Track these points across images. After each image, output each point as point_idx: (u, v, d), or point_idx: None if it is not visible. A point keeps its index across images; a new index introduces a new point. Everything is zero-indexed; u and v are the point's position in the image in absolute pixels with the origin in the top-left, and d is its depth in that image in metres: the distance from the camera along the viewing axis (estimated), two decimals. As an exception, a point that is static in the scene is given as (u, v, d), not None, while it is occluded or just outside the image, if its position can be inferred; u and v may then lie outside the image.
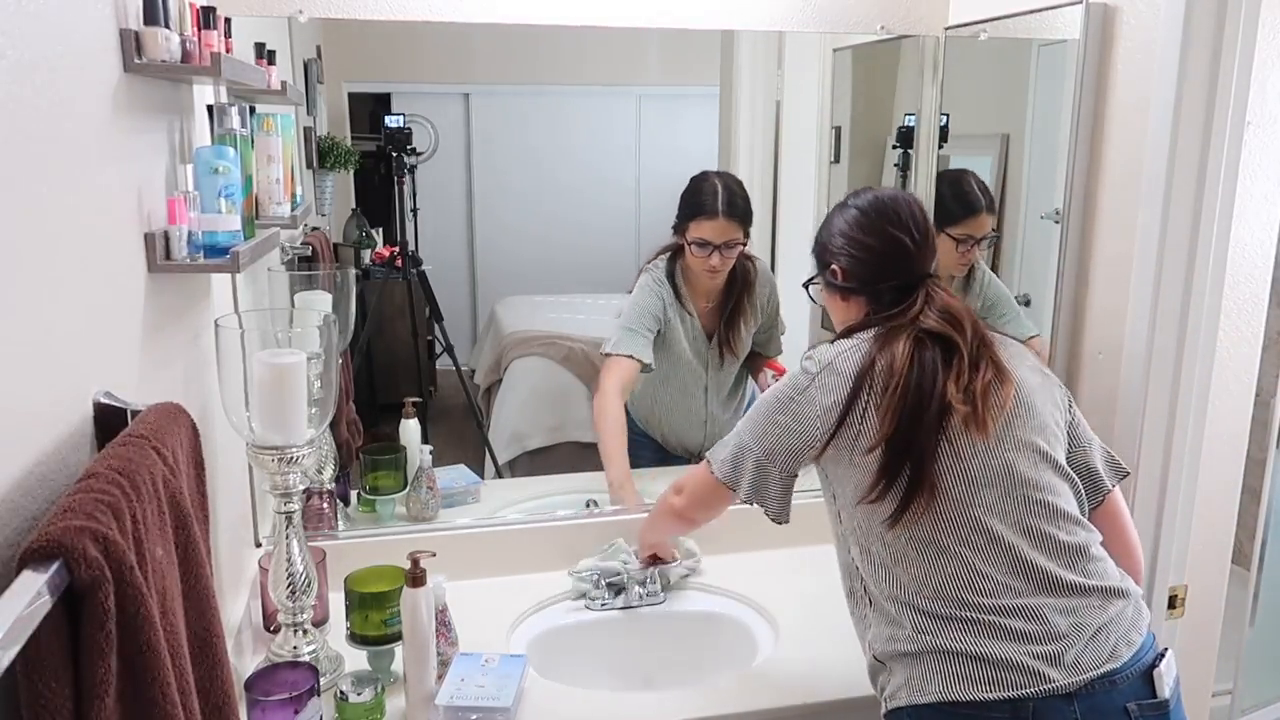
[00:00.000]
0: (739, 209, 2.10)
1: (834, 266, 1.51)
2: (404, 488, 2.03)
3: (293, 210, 1.57)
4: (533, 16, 1.84)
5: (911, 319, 1.41)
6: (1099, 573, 1.36)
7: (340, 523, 1.99)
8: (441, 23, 1.82)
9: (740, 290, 2.19)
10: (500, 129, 2.55)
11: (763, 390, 2.22)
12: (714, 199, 2.08)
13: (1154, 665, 1.33)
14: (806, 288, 1.61)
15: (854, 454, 1.38)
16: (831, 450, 1.40)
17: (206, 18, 1.28)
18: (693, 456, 2.31)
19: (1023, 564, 1.33)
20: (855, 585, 1.46)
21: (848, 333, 1.47)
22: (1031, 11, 1.76)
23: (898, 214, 1.48)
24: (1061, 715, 1.25)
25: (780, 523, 1.49)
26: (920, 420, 1.34)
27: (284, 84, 1.68)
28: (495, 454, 2.38)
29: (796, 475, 1.47)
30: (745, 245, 2.12)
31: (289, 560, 1.50)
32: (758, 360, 2.31)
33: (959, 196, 2.05)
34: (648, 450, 2.32)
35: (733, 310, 2.20)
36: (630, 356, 2.11)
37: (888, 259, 1.47)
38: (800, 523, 1.94)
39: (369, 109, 2.32)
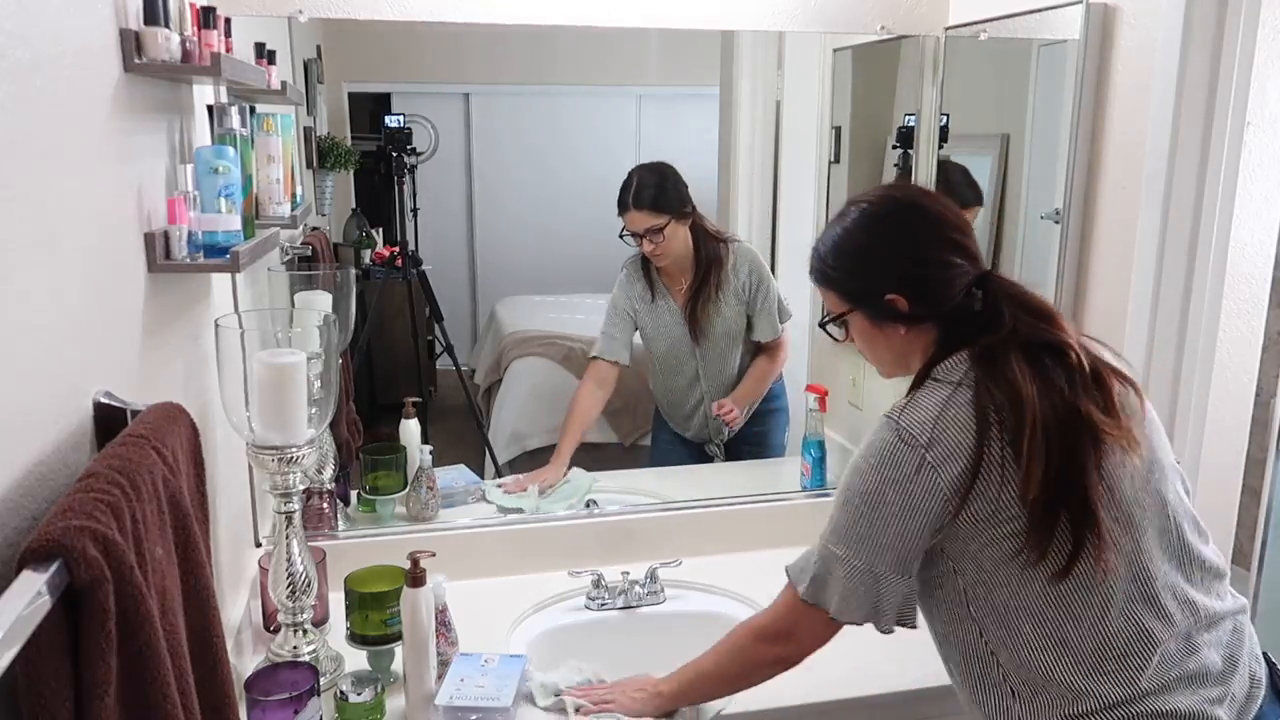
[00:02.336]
0: (648, 198, 2.18)
1: (889, 296, 1.24)
2: (404, 488, 2.03)
3: (293, 210, 1.57)
4: (533, 16, 1.84)
5: (1008, 331, 1.20)
6: (1228, 591, 1.28)
7: (340, 523, 1.99)
8: (441, 23, 1.82)
9: (707, 270, 2.25)
10: (500, 129, 2.55)
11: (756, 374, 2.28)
12: (628, 192, 2.19)
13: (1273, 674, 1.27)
14: (824, 328, 1.35)
15: (996, 520, 1.16)
16: (962, 526, 1.17)
17: (206, 18, 1.28)
18: (707, 444, 2.34)
19: (1182, 601, 1.21)
20: (989, 672, 1.23)
21: (925, 373, 1.23)
22: (1031, 11, 1.76)
23: (942, 214, 1.26)
24: None
25: (911, 628, 1.24)
26: (1075, 455, 1.14)
27: (284, 84, 1.68)
28: (495, 454, 2.38)
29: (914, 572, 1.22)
30: (667, 228, 2.18)
31: (289, 560, 1.50)
32: (753, 347, 2.32)
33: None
34: (676, 449, 2.36)
35: (699, 288, 2.26)
36: (599, 358, 2.27)
37: (957, 269, 1.23)
38: (801, 522, 1.94)
39: (369, 109, 2.33)
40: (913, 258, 1.25)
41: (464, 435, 2.41)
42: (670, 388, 2.34)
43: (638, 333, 2.30)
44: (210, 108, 1.44)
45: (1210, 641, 1.22)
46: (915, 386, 1.25)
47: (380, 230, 2.38)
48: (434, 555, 1.54)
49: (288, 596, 1.51)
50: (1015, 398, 1.16)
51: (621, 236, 2.21)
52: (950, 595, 1.24)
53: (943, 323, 1.25)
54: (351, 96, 2.27)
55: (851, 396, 2.35)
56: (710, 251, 2.25)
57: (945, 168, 2.04)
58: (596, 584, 1.89)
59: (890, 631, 1.25)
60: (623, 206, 2.20)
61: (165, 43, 1.18)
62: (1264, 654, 1.30)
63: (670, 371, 2.33)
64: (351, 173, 2.25)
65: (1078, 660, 1.18)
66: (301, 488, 1.51)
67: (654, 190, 2.19)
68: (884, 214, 1.29)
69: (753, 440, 2.33)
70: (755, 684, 1.42)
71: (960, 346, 1.23)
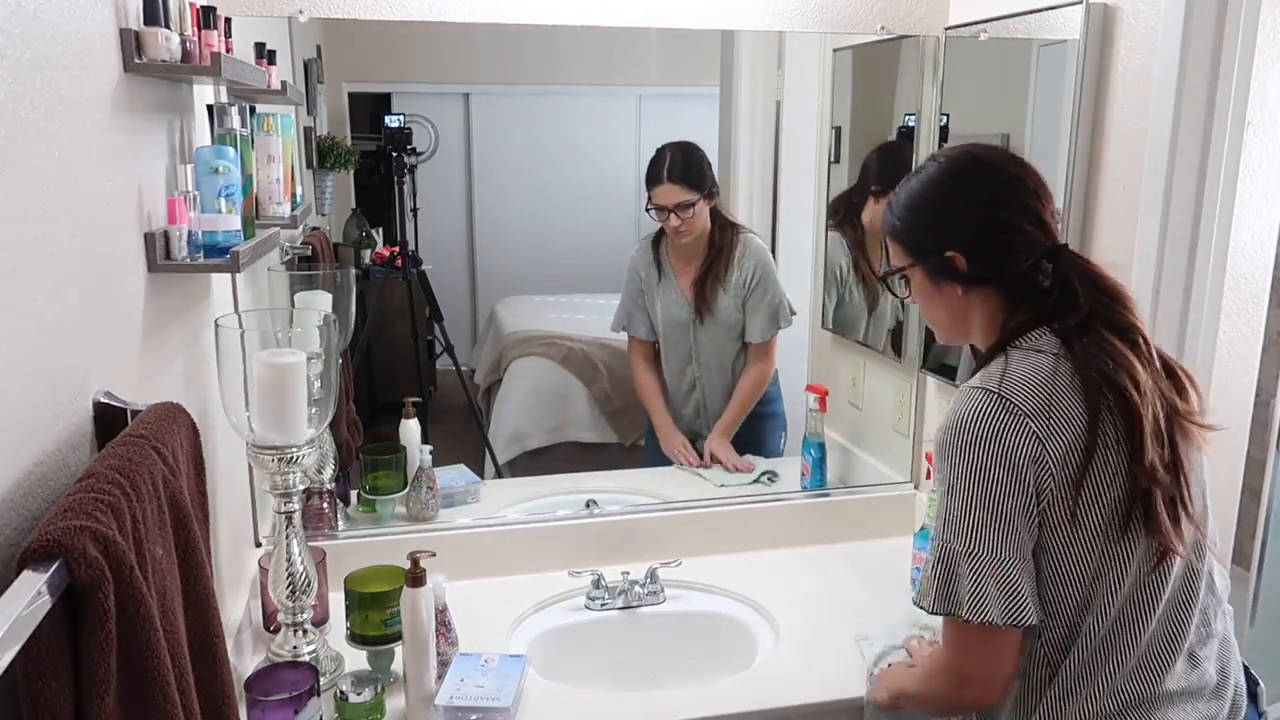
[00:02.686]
0: (680, 172, 2.19)
1: (950, 253, 1.20)
2: (404, 488, 2.03)
3: (293, 210, 1.57)
4: (533, 16, 1.84)
5: (1086, 311, 1.15)
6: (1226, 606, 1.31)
7: (340, 523, 1.99)
8: (441, 23, 1.82)
9: (717, 255, 2.26)
10: (500, 129, 2.55)
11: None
12: (661, 166, 2.20)
13: None
14: (885, 281, 1.30)
15: (1098, 501, 1.13)
16: (1062, 504, 1.12)
17: (206, 18, 1.28)
18: (697, 439, 2.32)
19: (1200, 612, 1.22)
20: (1030, 657, 1.20)
21: (1004, 341, 1.18)
22: (1031, 11, 1.76)
23: (1019, 177, 1.20)
24: None
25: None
26: (1174, 445, 1.13)
27: (284, 84, 1.68)
28: (495, 454, 2.38)
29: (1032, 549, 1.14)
30: (697, 205, 2.19)
31: (289, 560, 1.50)
32: (745, 348, 2.32)
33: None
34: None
35: (707, 272, 2.26)
36: (635, 337, 2.33)
37: (1025, 235, 1.18)
38: (800, 522, 1.95)
39: (369, 109, 2.32)
40: (976, 216, 1.20)
41: (464, 435, 2.41)
42: (667, 371, 2.34)
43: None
44: (210, 108, 1.44)
45: (1208, 655, 1.22)
46: (990, 357, 1.19)
47: (380, 230, 2.38)
48: (434, 555, 1.54)
49: (288, 596, 1.51)
50: (1131, 376, 1.11)
51: (648, 210, 2.22)
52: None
53: (1005, 290, 1.20)
54: (351, 96, 2.27)
55: (851, 396, 2.35)
56: (724, 238, 2.26)
57: (887, 146, 2.08)
58: (596, 584, 1.89)
59: (1034, 624, 1.14)
60: (654, 180, 2.21)
61: (165, 43, 1.18)
62: (1244, 665, 1.29)
63: (668, 355, 2.33)
64: (351, 173, 2.25)
65: (1118, 654, 1.16)
66: (301, 488, 1.51)
67: (685, 165, 2.20)
68: (957, 169, 1.24)
69: (747, 445, 2.32)
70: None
71: (1031, 320, 1.18)
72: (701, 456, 2.29)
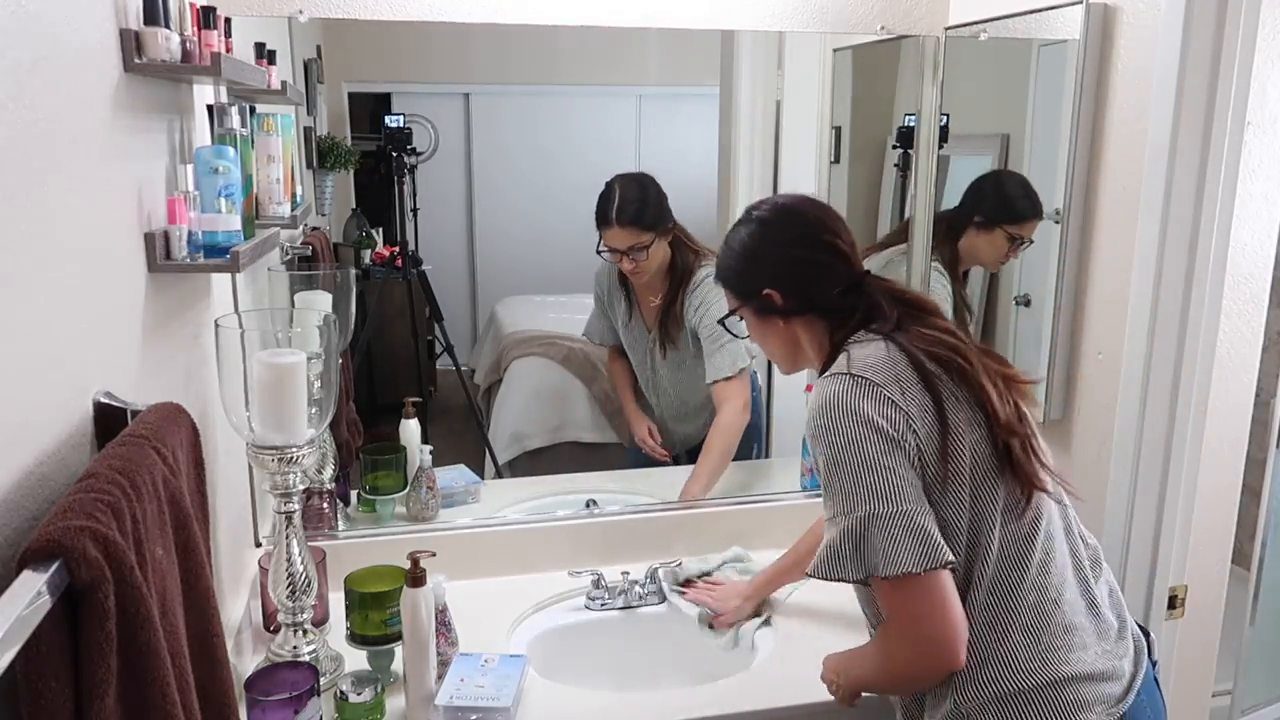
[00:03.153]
0: (631, 214, 2.08)
1: (766, 291, 1.37)
2: (404, 488, 2.03)
3: (293, 210, 1.57)
4: (533, 16, 1.84)
5: (895, 319, 1.32)
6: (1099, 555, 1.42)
7: (340, 523, 1.99)
8: (441, 23, 1.82)
9: (679, 285, 2.16)
10: (500, 129, 2.55)
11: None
12: (609, 207, 2.09)
13: None
14: (723, 323, 1.47)
15: (961, 464, 1.23)
16: (932, 469, 1.22)
17: (206, 18, 1.28)
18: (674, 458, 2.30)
19: (1085, 561, 1.35)
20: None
21: (839, 345, 1.33)
22: (1031, 11, 1.76)
23: (818, 219, 1.38)
24: None
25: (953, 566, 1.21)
26: (1014, 401, 1.29)
27: (284, 84, 1.68)
28: (495, 454, 2.38)
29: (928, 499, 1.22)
30: (651, 246, 2.09)
31: (289, 560, 1.50)
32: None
33: (1029, 197, 1.95)
34: (640, 456, 2.33)
35: (669, 304, 2.18)
36: (608, 345, 2.32)
37: (824, 266, 1.36)
38: (800, 522, 1.94)
39: (369, 109, 2.32)
40: (783, 256, 1.38)
41: (464, 435, 2.41)
42: (638, 392, 2.33)
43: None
44: (210, 108, 1.44)
45: (1103, 601, 1.32)
46: (831, 359, 1.33)
47: (380, 230, 2.38)
48: (434, 555, 1.54)
49: (288, 596, 1.51)
50: (959, 352, 1.27)
51: (599, 253, 2.14)
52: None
53: (823, 316, 1.36)
54: (351, 96, 2.27)
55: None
56: (685, 266, 2.16)
57: (1001, 177, 1.94)
58: (596, 584, 1.89)
59: (956, 566, 1.20)
60: (603, 221, 2.10)
61: (165, 43, 1.18)
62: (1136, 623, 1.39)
63: (638, 376, 2.31)
64: (351, 173, 2.25)
65: (1012, 598, 1.25)
66: (301, 488, 1.51)
67: (638, 205, 2.09)
68: (764, 219, 1.41)
69: None
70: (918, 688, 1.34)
71: (852, 330, 1.33)
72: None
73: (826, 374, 1.29)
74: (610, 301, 2.28)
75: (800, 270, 1.36)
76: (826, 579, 1.24)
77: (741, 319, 1.44)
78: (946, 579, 1.20)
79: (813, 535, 1.47)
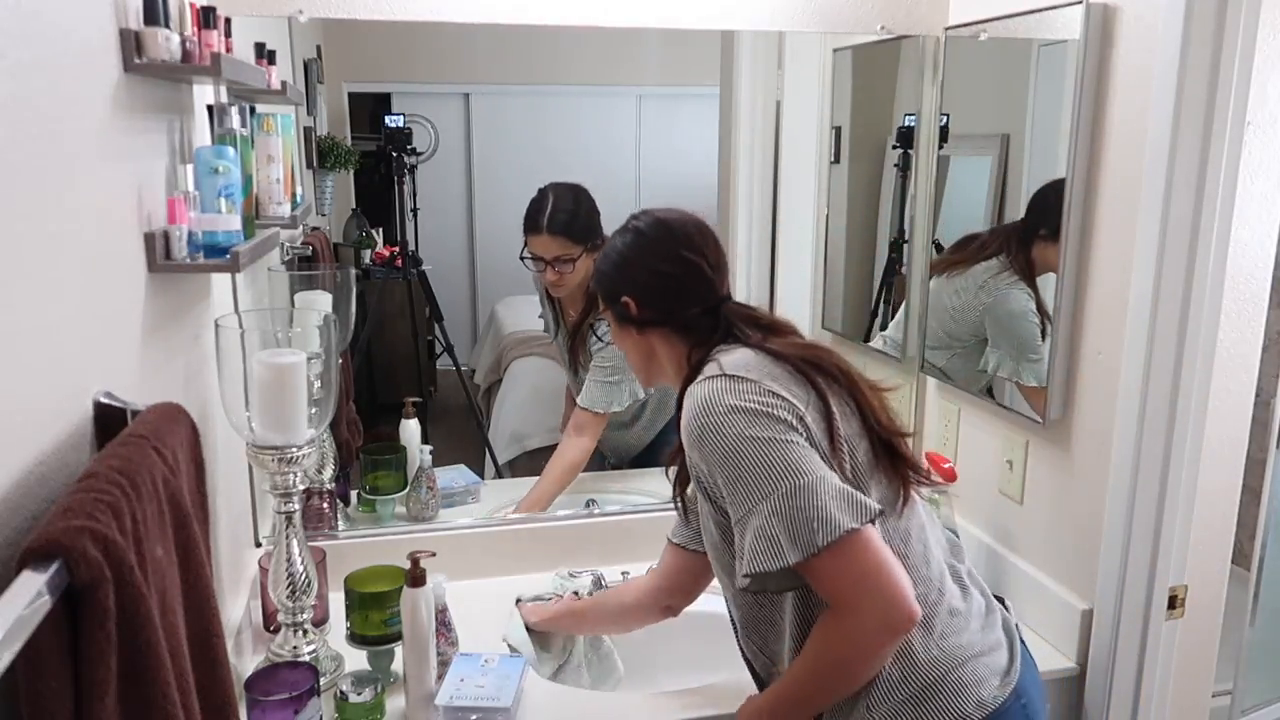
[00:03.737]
0: (562, 223, 2.03)
1: (624, 298, 1.40)
2: (404, 488, 2.03)
3: (293, 210, 1.57)
4: (533, 16, 1.84)
5: (755, 344, 1.32)
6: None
7: (340, 523, 1.99)
8: (441, 23, 1.82)
9: (591, 307, 2.07)
10: (500, 129, 2.55)
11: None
12: (540, 214, 2.05)
13: None
14: (591, 328, 1.49)
15: (843, 458, 1.25)
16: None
17: (206, 18, 1.28)
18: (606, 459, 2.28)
19: (947, 543, 1.44)
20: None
21: (703, 358, 1.32)
22: (1031, 11, 1.76)
23: (688, 236, 1.39)
24: None
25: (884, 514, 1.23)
26: (880, 399, 1.34)
27: (284, 84, 1.68)
28: (495, 454, 2.38)
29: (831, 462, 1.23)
30: (578, 260, 2.03)
31: (289, 560, 1.50)
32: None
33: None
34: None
35: (580, 320, 2.12)
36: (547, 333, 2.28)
37: (683, 282, 1.37)
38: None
39: (369, 109, 2.33)
40: (644, 266, 1.40)
41: (464, 435, 2.41)
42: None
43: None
44: (210, 108, 1.44)
45: (971, 582, 1.38)
46: (691, 375, 1.32)
47: (380, 230, 2.38)
48: (434, 555, 1.54)
49: (288, 596, 1.51)
50: (828, 357, 1.31)
51: (522, 259, 2.08)
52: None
53: (680, 332, 1.38)
54: (351, 96, 2.27)
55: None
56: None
57: (1063, 188, 1.76)
58: (597, 584, 1.89)
59: (881, 513, 1.19)
60: (532, 227, 2.05)
61: (165, 43, 1.18)
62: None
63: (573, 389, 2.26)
64: (351, 173, 2.25)
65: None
66: (301, 488, 1.51)
67: (569, 215, 2.05)
68: (640, 229, 1.42)
69: (667, 448, 2.23)
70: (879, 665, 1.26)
71: (712, 346, 1.34)
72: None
73: (698, 379, 1.27)
74: (543, 310, 2.24)
75: (660, 284, 1.39)
76: (763, 572, 1.16)
77: (594, 327, 1.46)
78: (876, 533, 1.18)
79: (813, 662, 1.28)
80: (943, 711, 1.25)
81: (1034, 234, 1.83)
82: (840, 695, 1.27)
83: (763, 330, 1.36)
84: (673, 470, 1.47)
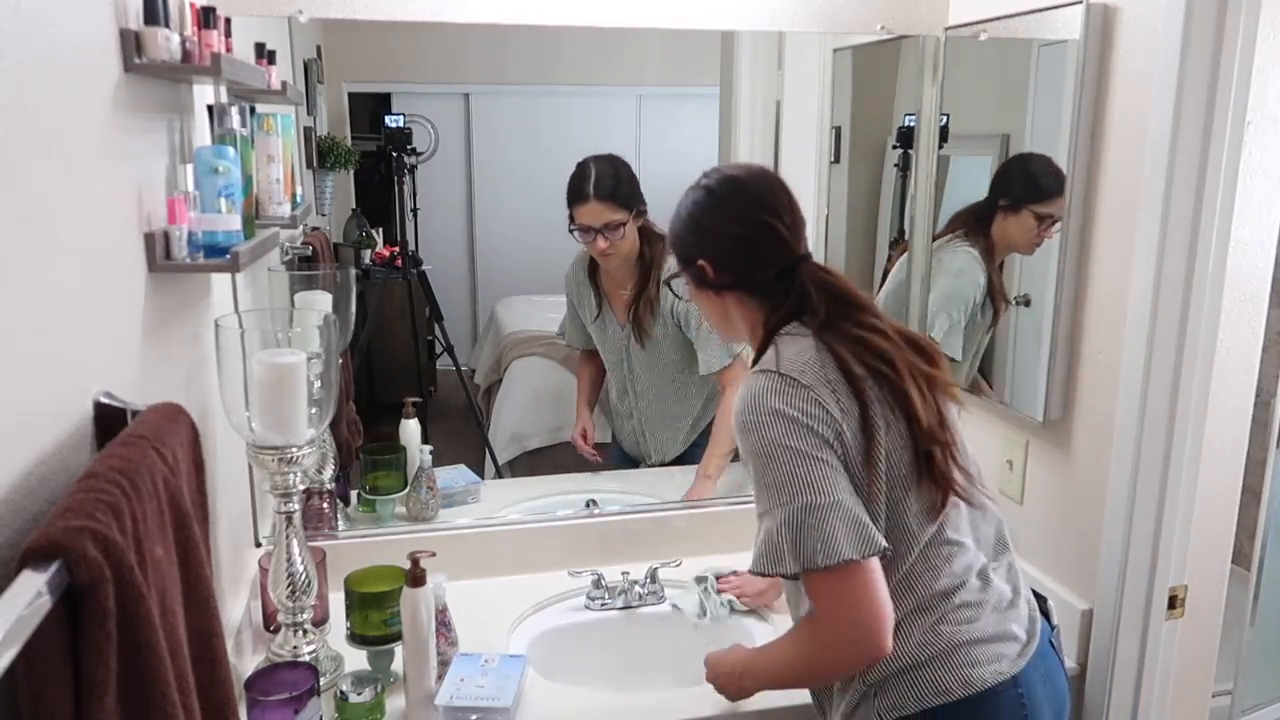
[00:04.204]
0: (608, 189, 2.06)
1: (700, 261, 1.37)
2: (404, 488, 2.03)
3: (293, 210, 1.57)
4: (533, 16, 1.84)
5: (823, 312, 1.32)
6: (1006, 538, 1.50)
7: (340, 523, 1.99)
8: (441, 23, 1.82)
9: (647, 277, 2.12)
10: (500, 129, 2.55)
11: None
12: (584, 182, 2.07)
13: None
14: (668, 284, 1.47)
15: (886, 462, 1.27)
16: (854, 466, 1.25)
17: (206, 18, 1.28)
18: (639, 462, 2.29)
19: (982, 540, 1.42)
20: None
21: (769, 336, 1.34)
22: (1031, 11, 1.76)
23: (762, 196, 1.36)
24: None
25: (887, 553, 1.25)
26: (939, 401, 1.33)
27: (284, 84, 1.68)
28: (495, 454, 2.38)
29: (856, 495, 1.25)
30: (627, 225, 2.07)
31: (289, 560, 1.50)
32: (709, 384, 2.20)
33: (1053, 174, 1.85)
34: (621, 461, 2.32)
35: (639, 296, 2.14)
36: (561, 335, 2.31)
37: (759, 247, 1.35)
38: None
39: (369, 109, 2.32)
40: (721, 229, 1.37)
41: (464, 435, 2.41)
42: (610, 393, 2.30)
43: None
44: (210, 108, 1.44)
45: (1000, 575, 1.39)
46: (762, 350, 1.34)
47: (380, 230, 2.38)
48: (434, 555, 1.54)
49: (288, 596, 1.51)
50: (885, 358, 1.28)
51: (571, 231, 2.10)
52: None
53: (756, 295, 1.36)
54: (351, 96, 2.27)
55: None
56: (654, 256, 2.12)
57: (1024, 159, 1.87)
58: (596, 584, 1.89)
59: (889, 551, 1.23)
60: (579, 197, 2.07)
61: (165, 43, 1.18)
62: (1032, 590, 1.46)
63: (611, 377, 2.28)
64: (351, 173, 2.25)
65: (923, 586, 1.30)
66: (301, 488, 1.51)
67: (613, 181, 2.08)
68: (712, 188, 1.39)
69: (704, 449, 2.24)
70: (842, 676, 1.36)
71: (784, 318, 1.34)
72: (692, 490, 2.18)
73: (756, 368, 1.31)
74: (579, 300, 2.25)
75: (737, 247, 1.36)
76: (765, 574, 1.25)
77: (679, 280, 1.46)
78: (878, 566, 1.22)
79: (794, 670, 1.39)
80: (929, 683, 1.28)
81: (994, 209, 1.83)
82: (803, 685, 1.42)
83: (832, 301, 1.33)
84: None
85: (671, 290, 1.47)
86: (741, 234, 1.35)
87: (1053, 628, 1.44)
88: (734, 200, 1.37)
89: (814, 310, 1.32)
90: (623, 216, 2.07)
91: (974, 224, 1.99)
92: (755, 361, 1.36)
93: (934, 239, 2.12)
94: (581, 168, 2.09)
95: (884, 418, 1.27)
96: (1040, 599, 1.46)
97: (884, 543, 1.22)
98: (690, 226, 1.40)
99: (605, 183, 2.07)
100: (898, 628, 1.27)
